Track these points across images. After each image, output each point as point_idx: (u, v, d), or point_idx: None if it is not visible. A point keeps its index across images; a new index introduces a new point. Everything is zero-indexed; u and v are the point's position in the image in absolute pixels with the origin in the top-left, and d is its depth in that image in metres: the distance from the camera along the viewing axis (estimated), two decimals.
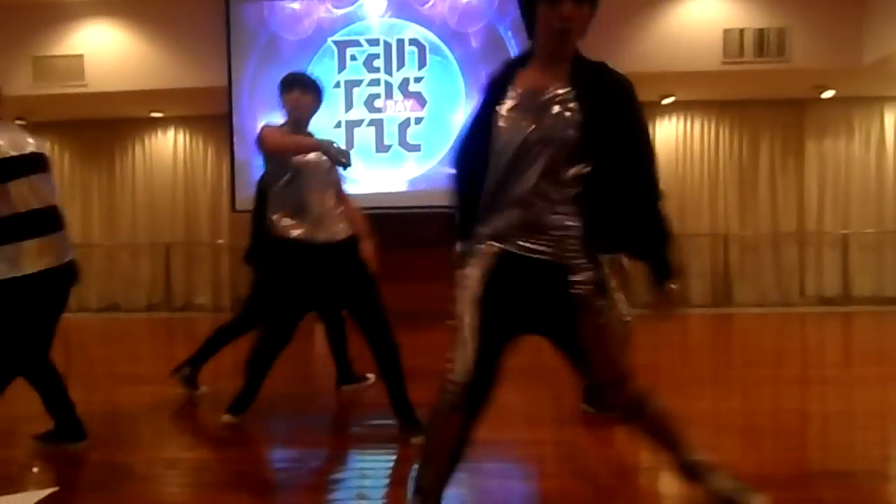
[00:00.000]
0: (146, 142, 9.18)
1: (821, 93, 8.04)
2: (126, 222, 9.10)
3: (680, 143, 8.66)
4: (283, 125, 3.13)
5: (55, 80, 7.75)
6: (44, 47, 7.77)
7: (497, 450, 2.91)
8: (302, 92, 3.06)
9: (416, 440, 2.76)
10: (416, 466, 1.88)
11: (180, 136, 9.13)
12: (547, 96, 1.78)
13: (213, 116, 8.34)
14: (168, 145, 9.12)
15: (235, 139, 7.61)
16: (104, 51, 7.71)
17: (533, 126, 1.76)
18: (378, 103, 7.37)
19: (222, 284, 8.96)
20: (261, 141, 3.00)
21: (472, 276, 1.81)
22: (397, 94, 7.38)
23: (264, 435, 3.17)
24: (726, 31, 7.12)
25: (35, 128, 10.00)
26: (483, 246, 1.83)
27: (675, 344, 6.20)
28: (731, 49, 7.11)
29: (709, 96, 8.40)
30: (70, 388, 3.09)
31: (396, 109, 7.40)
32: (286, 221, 3.00)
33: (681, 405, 3.03)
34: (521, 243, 1.79)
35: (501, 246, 1.81)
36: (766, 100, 8.38)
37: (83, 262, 9.17)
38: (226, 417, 3.15)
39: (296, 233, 2.98)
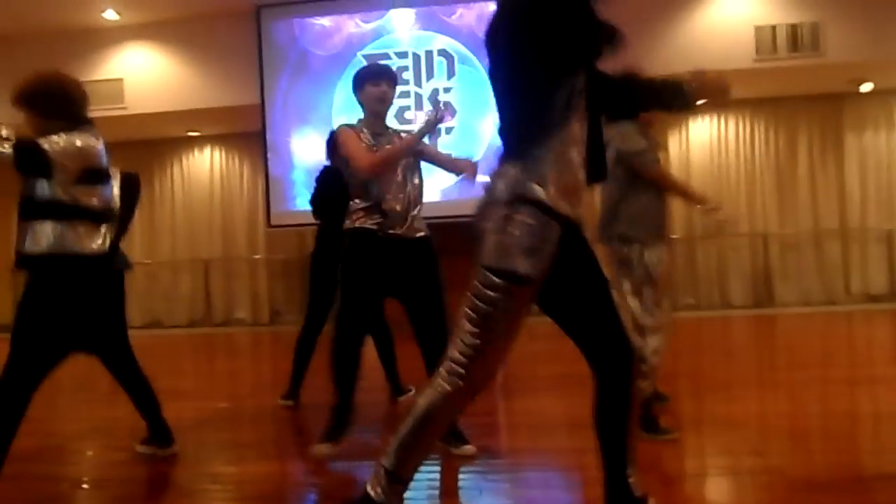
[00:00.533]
0: (184, 161, 9.39)
1: (859, 86, 7.86)
2: (166, 240, 9.31)
3: (714, 142, 8.54)
4: (360, 121, 2.93)
5: (96, 104, 7.85)
6: (85, 72, 7.99)
7: (539, 458, 2.89)
8: (388, 85, 2.89)
9: (459, 451, 2.75)
10: (394, 452, 1.71)
11: (216, 153, 9.33)
12: None
13: (247, 134, 8.50)
14: (205, 163, 9.32)
15: (269, 155, 7.73)
16: (142, 74, 7.94)
17: None
18: (408, 115, 7.43)
19: (261, 299, 9.10)
20: (359, 166, 2.80)
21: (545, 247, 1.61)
22: (427, 105, 7.42)
23: (305, 448, 3.19)
24: (757, 28, 7.02)
25: None
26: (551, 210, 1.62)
27: (718, 346, 6.09)
28: (763, 46, 7.00)
29: (742, 94, 8.25)
30: (115, 404, 3.17)
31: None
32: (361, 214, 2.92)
33: (725, 409, 2.99)
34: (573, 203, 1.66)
35: (565, 212, 1.63)
36: (802, 96, 8.22)
37: (125, 280, 9.21)
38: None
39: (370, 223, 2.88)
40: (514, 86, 1.70)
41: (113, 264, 2.71)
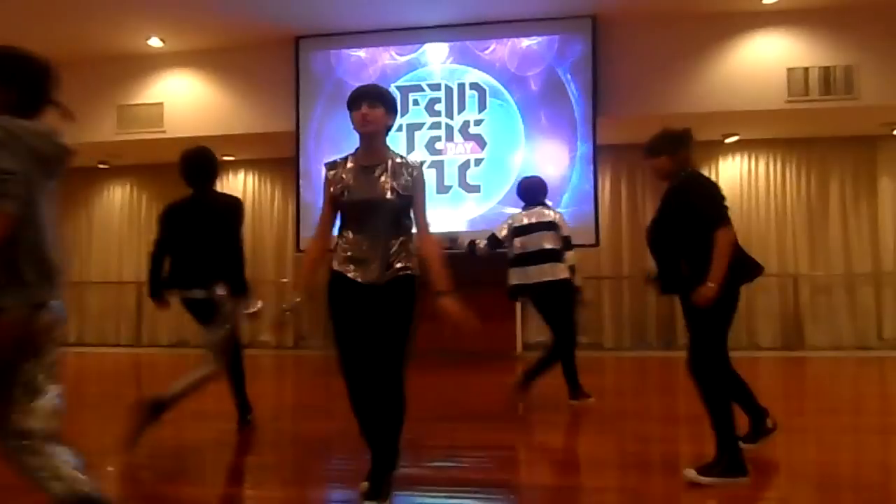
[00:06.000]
0: (218, 184, 9.48)
1: (893, 129, 7.78)
2: None
3: (744, 181, 8.49)
4: (355, 151, 2.76)
5: (137, 127, 8.24)
6: (127, 96, 8.29)
7: (558, 495, 2.86)
8: (369, 106, 2.62)
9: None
10: None
11: (250, 178, 9.51)
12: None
13: (281, 160, 8.66)
14: (238, 187, 9.49)
15: (302, 182, 7.86)
16: (182, 99, 8.17)
17: None
18: (439, 145, 7.52)
19: (285, 322, 9.13)
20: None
21: None
22: (458, 137, 7.51)
23: (326, 474, 3.20)
24: (790, 70, 7.02)
25: (116, 171, 10.57)
26: None
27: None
28: (795, 87, 7.00)
29: (774, 134, 8.25)
30: None
31: (457, 151, 7.53)
32: None
33: (751, 454, 2.93)
34: None
35: None
36: (834, 137, 8.16)
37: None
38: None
39: None
40: None
41: None
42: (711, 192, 2.93)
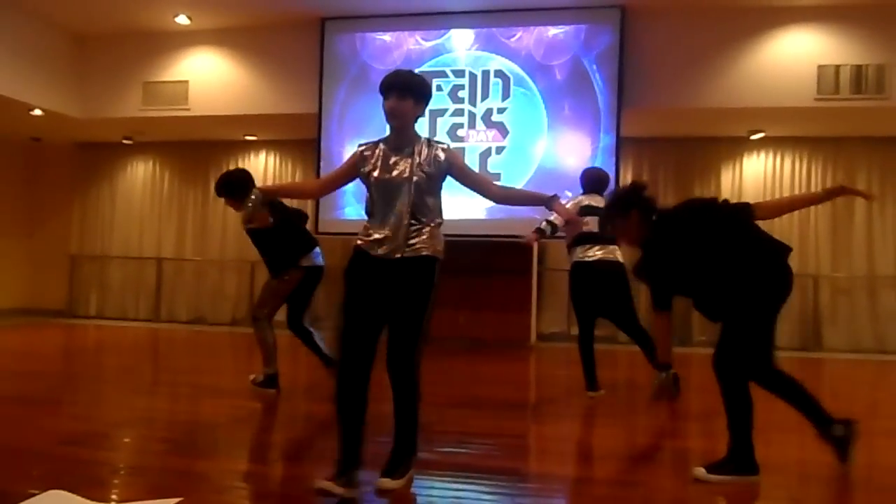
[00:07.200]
0: (239, 163, 9.62)
1: None
2: (216, 239, 9.54)
3: (769, 179, 8.38)
4: (386, 136, 2.82)
5: (162, 104, 8.30)
6: (153, 73, 8.35)
7: (567, 486, 2.87)
8: (398, 97, 2.65)
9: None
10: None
11: (271, 158, 9.56)
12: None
13: (302, 141, 8.69)
14: (259, 167, 9.54)
15: (322, 163, 7.88)
16: (207, 77, 8.21)
17: None
18: (461, 132, 7.49)
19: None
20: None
21: None
22: (480, 124, 7.48)
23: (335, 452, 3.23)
24: (821, 67, 6.89)
25: (140, 147, 10.67)
26: None
27: (758, 387, 5.93)
28: (825, 85, 6.87)
29: (801, 132, 8.12)
30: (156, 395, 3.28)
31: (478, 139, 7.50)
32: None
33: (764, 453, 2.91)
34: None
35: None
36: (863, 137, 8.02)
37: (175, 276, 9.57)
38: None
39: None
40: None
41: None
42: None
